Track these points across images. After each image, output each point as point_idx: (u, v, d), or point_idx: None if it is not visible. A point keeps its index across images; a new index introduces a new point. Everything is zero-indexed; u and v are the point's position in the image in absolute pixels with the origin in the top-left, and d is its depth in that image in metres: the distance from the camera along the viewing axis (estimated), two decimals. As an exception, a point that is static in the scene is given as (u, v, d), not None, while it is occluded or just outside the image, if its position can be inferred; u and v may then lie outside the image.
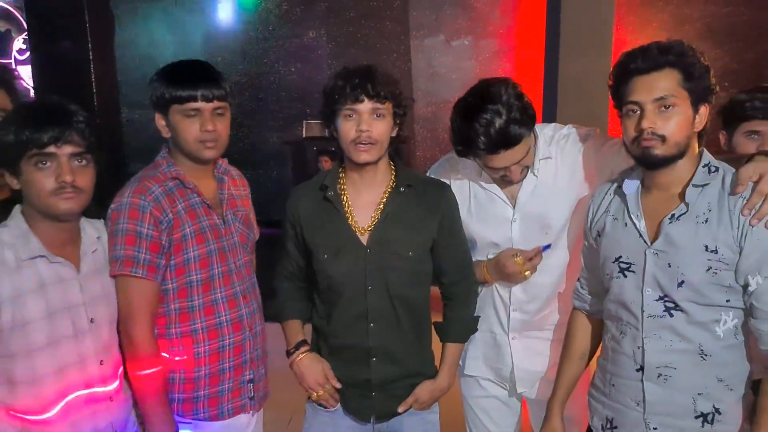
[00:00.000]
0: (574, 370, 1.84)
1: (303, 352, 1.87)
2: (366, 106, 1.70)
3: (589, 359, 1.86)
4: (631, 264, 1.60)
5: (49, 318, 1.51)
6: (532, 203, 1.89)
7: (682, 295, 1.53)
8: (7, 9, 7.27)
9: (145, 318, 1.68)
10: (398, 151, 6.27)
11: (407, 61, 6.80)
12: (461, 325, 1.95)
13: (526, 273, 1.86)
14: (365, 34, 6.77)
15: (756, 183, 1.47)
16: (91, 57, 3.57)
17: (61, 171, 1.51)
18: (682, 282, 1.52)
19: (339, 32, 6.75)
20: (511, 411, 2.09)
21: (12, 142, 1.49)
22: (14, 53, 7.23)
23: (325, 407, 1.88)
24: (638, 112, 1.53)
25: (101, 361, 1.61)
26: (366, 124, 1.71)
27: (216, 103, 1.73)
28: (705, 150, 1.60)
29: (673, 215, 1.54)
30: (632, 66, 1.55)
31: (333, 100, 1.74)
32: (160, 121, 1.78)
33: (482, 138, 1.67)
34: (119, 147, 4.08)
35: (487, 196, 1.94)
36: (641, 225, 1.59)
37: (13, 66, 7.11)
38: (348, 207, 1.83)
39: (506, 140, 1.69)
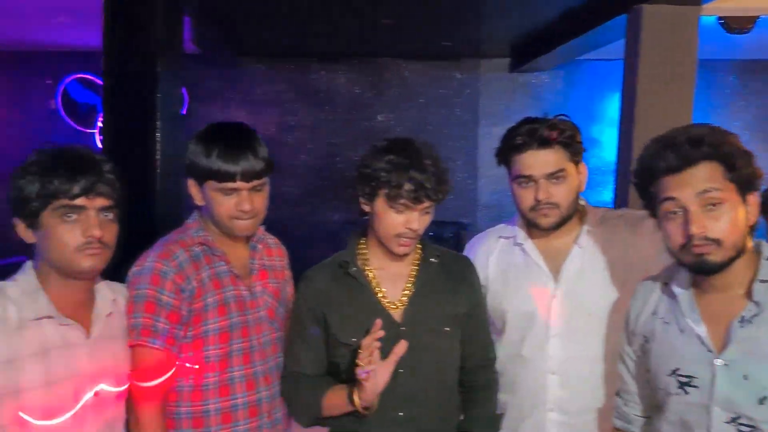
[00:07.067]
0: None
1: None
2: (422, 206, 1.58)
3: None
4: (692, 378, 1.35)
5: (47, 387, 1.33)
6: (578, 279, 1.71)
7: (764, 413, 1.27)
8: (98, 83, 7.68)
9: (156, 393, 1.53)
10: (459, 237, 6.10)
11: (474, 147, 6.74)
12: (485, 424, 1.74)
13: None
14: (434, 120, 6.79)
15: None
16: (158, 137, 3.59)
17: (88, 225, 1.36)
18: (765, 397, 1.26)
19: (408, 117, 6.78)
20: None
21: (36, 193, 1.33)
22: (99, 124, 7.58)
23: None
24: (681, 213, 1.33)
25: None
26: (416, 223, 1.58)
27: (255, 182, 1.59)
28: (764, 242, 1.37)
29: (743, 317, 1.30)
30: (662, 165, 1.34)
31: (384, 194, 1.58)
32: (192, 188, 1.64)
33: (523, 132, 1.69)
34: (179, 214, 4.09)
35: (525, 264, 1.77)
36: (702, 330, 1.36)
37: (97, 136, 7.47)
38: (374, 281, 1.66)
39: (541, 138, 1.67)
